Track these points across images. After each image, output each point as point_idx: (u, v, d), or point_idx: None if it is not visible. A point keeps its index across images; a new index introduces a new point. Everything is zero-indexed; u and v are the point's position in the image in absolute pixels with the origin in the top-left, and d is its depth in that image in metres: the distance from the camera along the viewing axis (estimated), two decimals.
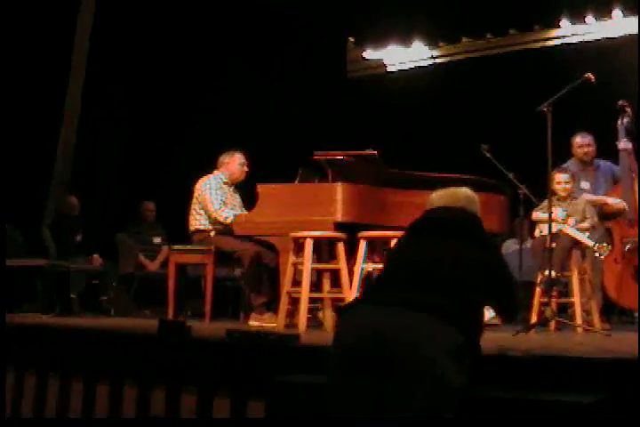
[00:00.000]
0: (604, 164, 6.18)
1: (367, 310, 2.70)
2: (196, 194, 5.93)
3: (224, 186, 5.95)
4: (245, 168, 6.04)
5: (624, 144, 5.91)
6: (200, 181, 5.97)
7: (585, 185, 6.06)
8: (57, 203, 7.93)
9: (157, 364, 3.82)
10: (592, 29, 7.82)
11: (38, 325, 5.13)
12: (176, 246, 5.96)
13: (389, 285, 2.83)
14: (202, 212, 5.86)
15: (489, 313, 5.27)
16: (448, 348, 2.57)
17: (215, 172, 6.02)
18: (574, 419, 2.60)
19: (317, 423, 2.86)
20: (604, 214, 5.87)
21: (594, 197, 5.90)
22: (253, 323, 5.36)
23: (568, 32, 7.98)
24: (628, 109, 5.93)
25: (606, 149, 6.14)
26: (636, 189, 5.90)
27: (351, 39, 9.09)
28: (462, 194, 3.19)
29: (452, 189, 3.20)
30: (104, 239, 7.62)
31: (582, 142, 6.13)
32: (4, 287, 5.90)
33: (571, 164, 6.09)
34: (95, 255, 7.16)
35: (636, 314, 6.05)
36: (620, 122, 5.95)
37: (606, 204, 5.87)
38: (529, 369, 3.01)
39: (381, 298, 2.74)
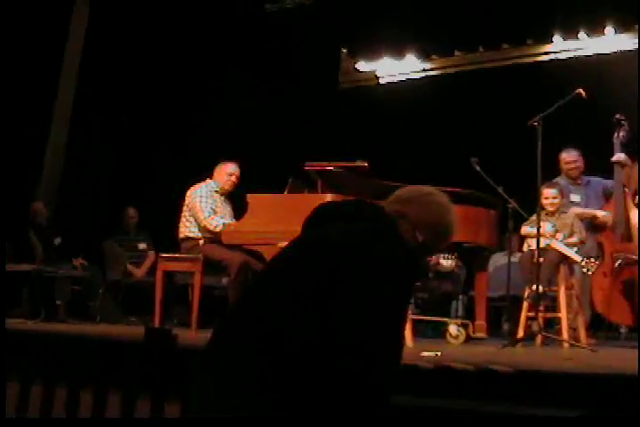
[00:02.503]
0: (594, 180, 6.17)
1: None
2: (186, 201, 5.92)
3: (215, 194, 5.94)
4: (233, 179, 5.98)
5: (617, 157, 5.90)
6: (192, 188, 5.96)
7: (575, 198, 6.05)
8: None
9: (143, 372, 3.80)
10: (584, 45, 7.86)
11: (23, 330, 5.10)
12: (164, 254, 5.94)
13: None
14: (192, 219, 5.85)
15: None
16: None
17: (208, 180, 6.02)
18: None
19: None
20: (595, 227, 5.87)
21: (583, 210, 5.90)
22: None
23: (560, 48, 8.02)
24: (625, 123, 5.92)
25: (598, 164, 6.14)
26: (629, 203, 5.88)
27: (344, 50, 9.11)
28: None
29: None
30: (90, 245, 7.60)
31: (568, 159, 6.11)
32: (4, 291, 5.89)
33: (561, 178, 6.10)
34: (75, 259, 7.14)
35: (622, 330, 6.06)
36: (616, 135, 5.92)
37: (595, 217, 5.87)
38: (514, 384, 3.01)
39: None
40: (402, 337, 2.03)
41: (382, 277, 1.95)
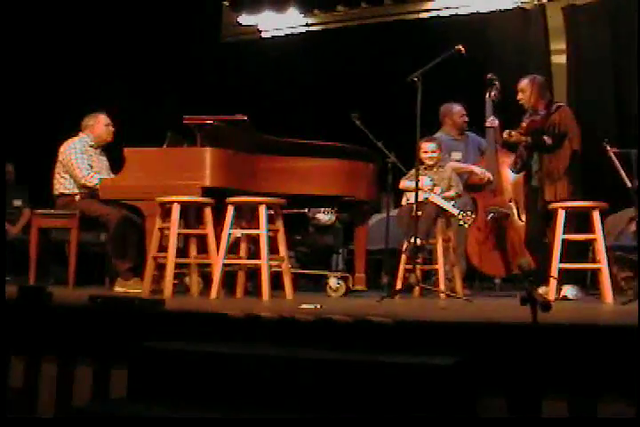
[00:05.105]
0: (472, 135, 6.32)
1: None
2: (60, 157, 5.76)
3: (89, 149, 5.81)
4: (111, 128, 5.91)
5: (491, 122, 6.04)
6: (65, 144, 5.79)
7: (456, 155, 6.18)
8: None
9: (16, 332, 3.69)
10: (465, 3, 7.97)
11: None
12: (39, 210, 5.78)
13: None
14: (66, 175, 5.70)
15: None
16: None
17: (80, 134, 5.85)
18: (434, 380, 2.68)
19: None
20: (471, 185, 6.01)
21: (461, 165, 6.03)
22: (118, 289, 5.29)
23: (442, 5, 8.10)
24: (496, 83, 6.08)
25: (474, 120, 6.28)
26: (501, 159, 6.04)
27: (226, 3, 8.94)
28: None
29: None
30: None
31: (462, 111, 6.24)
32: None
33: (442, 134, 6.19)
34: None
35: (497, 281, 6.27)
36: (487, 95, 6.07)
37: (473, 172, 6.01)
38: (392, 333, 3.06)
39: None
40: None
41: None
